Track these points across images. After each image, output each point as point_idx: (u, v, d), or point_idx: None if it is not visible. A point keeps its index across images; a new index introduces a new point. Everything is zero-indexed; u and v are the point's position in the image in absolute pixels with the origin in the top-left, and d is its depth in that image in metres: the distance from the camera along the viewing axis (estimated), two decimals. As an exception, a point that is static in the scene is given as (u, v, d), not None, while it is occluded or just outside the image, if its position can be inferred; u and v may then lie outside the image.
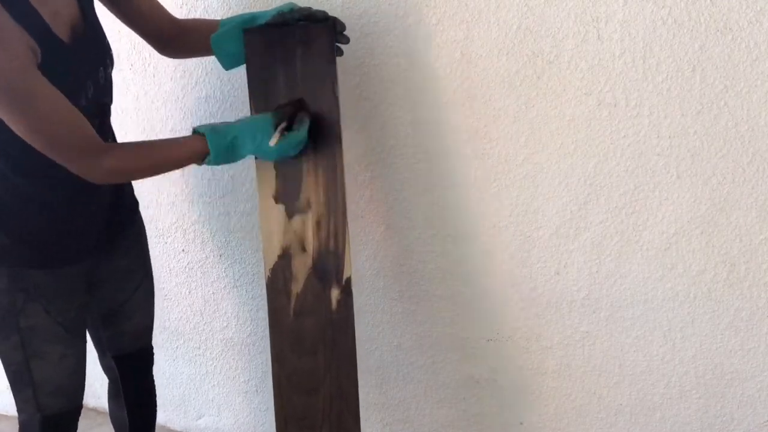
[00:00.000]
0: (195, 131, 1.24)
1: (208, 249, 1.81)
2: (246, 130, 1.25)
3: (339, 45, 1.35)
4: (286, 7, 1.32)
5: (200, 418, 2.07)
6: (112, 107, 1.36)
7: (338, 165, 1.34)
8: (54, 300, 1.30)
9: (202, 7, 1.55)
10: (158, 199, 1.80)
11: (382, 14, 1.39)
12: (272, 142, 1.26)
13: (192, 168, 1.74)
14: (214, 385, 1.99)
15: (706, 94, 1.23)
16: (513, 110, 1.36)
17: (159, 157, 1.24)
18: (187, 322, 1.94)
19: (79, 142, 1.15)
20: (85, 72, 1.22)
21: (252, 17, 1.35)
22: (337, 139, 1.34)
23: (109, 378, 1.59)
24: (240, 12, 1.48)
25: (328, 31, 1.31)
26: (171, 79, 1.65)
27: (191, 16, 1.56)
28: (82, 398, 1.42)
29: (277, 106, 1.34)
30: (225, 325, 1.89)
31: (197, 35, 1.38)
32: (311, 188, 1.37)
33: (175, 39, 1.40)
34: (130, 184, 1.48)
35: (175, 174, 1.76)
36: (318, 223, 1.38)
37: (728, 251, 1.32)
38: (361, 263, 1.63)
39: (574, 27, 1.27)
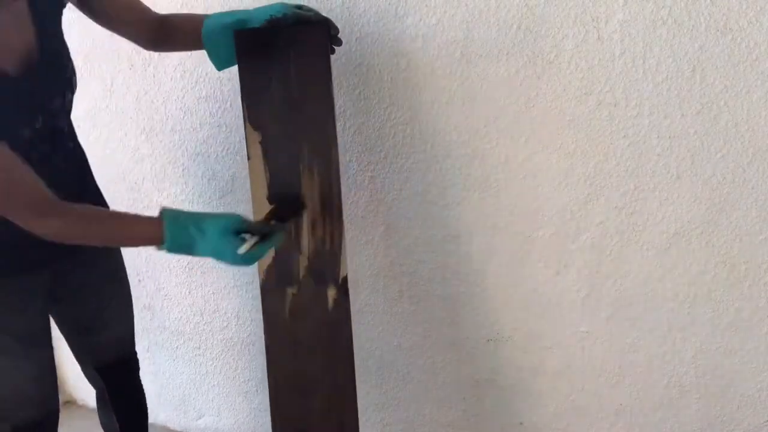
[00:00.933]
0: (160, 213, 1.18)
1: (208, 249, 1.81)
2: (209, 238, 1.16)
3: (332, 47, 1.33)
4: (277, 7, 1.28)
5: (200, 418, 2.07)
6: (112, 109, 1.34)
7: (333, 165, 1.34)
8: (3, 311, 1.26)
9: (202, 7, 1.54)
10: (158, 199, 1.80)
11: (382, 14, 1.39)
12: (241, 250, 1.15)
13: (192, 167, 1.74)
14: (214, 385, 1.99)
15: (706, 94, 1.23)
16: (513, 110, 1.36)
17: (110, 231, 1.19)
18: (187, 322, 1.94)
19: (27, 203, 1.11)
20: (37, 103, 1.17)
21: (244, 19, 1.29)
22: (332, 139, 1.33)
23: (95, 387, 1.58)
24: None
25: (323, 32, 1.29)
26: (171, 79, 1.65)
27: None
28: (55, 404, 1.39)
29: (270, 211, 1.32)
30: (225, 325, 1.89)
31: (182, 33, 1.33)
32: (306, 189, 1.36)
33: (158, 35, 1.35)
34: (96, 189, 1.42)
35: (175, 174, 1.76)
36: (313, 223, 1.37)
37: (728, 251, 1.32)
38: (361, 263, 1.63)
39: (574, 27, 1.27)
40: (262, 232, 1.19)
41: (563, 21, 1.27)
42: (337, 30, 1.31)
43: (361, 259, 1.63)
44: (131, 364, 1.57)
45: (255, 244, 1.17)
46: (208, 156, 1.70)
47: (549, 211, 1.41)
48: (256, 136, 1.35)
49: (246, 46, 1.31)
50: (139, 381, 1.60)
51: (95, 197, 1.40)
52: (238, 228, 1.17)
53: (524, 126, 1.37)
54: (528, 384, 1.59)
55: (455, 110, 1.40)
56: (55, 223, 1.13)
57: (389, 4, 1.38)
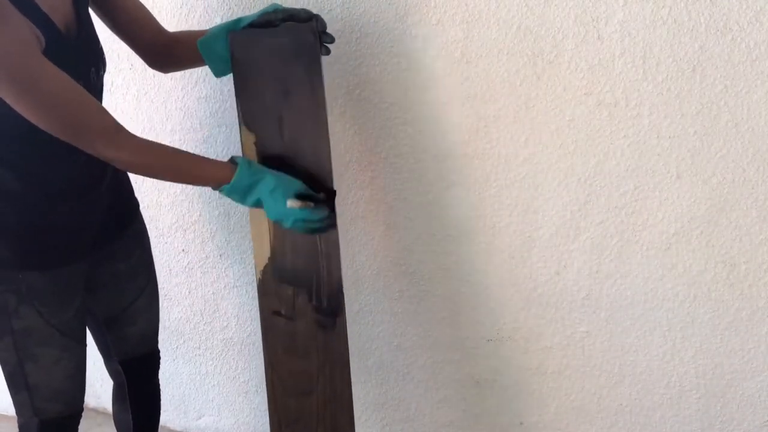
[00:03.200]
0: (232, 159, 1.26)
1: (208, 249, 1.81)
2: (272, 180, 1.25)
3: (326, 45, 1.34)
4: (270, 8, 1.31)
5: (200, 418, 2.07)
6: (112, 109, 1.36)
7: (326, 166, 1.33)
8: (48, 302, 1.27)
9: (202, 7, 1.55)
10: (158, 199, 1.80)
11: (382, 14, 1.39)
12: (290, 203, 1.24)
13: (192, 168, 1.74)
14: (214, 385, 1.99)
15: (706, 94, 1.23)
16: (513, 110, 1.36)
17: (178, 160, 1.24)
18: (187, 322, 1.94)
19: (100, 130, 1.15)
20: (79, 69, 1.20)
21: (237, 20, 1.33)
22: (325, 140, 1.32)
23: (114, 381, 1.58)
24: (240, 12, 1.48)
25: (311, 30, 1.29)
26: (171, 79, 1.65)
27: (191, 15, 1.56)
28: (82, 403, 1.40)
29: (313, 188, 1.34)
30: (225, 325, 1.89)
31: (185, 45, 1.37)
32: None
33: (163, 50, 1.39)
34: (129, 183, 1.46)
35: (175, 174, 1.76)
36: None
37: (728, 251, 1.32)
38: (361, 263, 1.63)
39: (574, 27, 1.27)
40: (320, 200, 1.29)
41: (563, 21, 1.27)
42: (324, 25, 1.32)
43: (361, 259, 1.63)
44: (154, 359, 1.59)
45: (304, 204, 1.25)
46: (208, 156, 1.70)
47: (549, 211, 1.41)
48: (251, 137, 1.35)
49: (238, 47, 1.32)
50: (158, 378, 1.61)
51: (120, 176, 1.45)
52: (297, 188, 1.27)
53: (524, 126, 1.37)
54: (528, 384, 1.59)
55: (455, 110, 1.40)
56: (126, 149, 1.17)
57: (389, 4, 1.38)
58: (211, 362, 1.96)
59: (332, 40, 1.34)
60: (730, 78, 1.21)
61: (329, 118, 1.37)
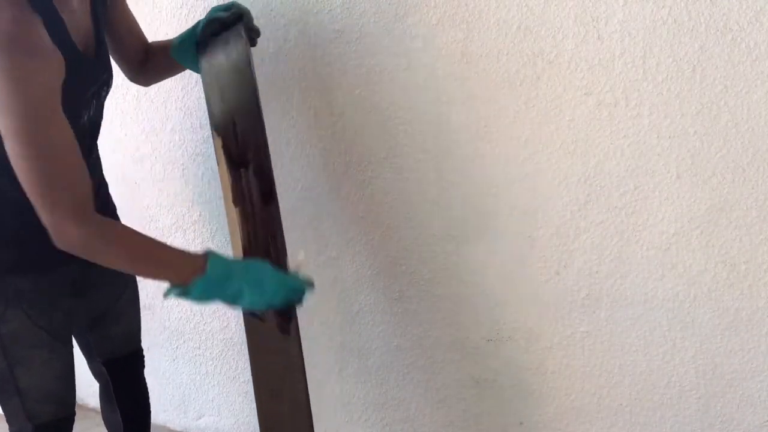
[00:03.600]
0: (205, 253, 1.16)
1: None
2: (252, 269, 1.16)
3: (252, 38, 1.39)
4: (214, 12, 1.37)
5: (200, 418, 2.07)
6: (112, 109, 1.36)
7: (264, 159, 1.31)
8: (36, 304, 1.26)
9: (202, 7, 1.55)
10: (158, 199, 1.81)
11: (382, 14, 1.39)
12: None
13: (192, 167, 1.74)
14: (214, 385, 1.99)
15: (706, 94, 1.23)
16: (513, 110, 1.36)
17: (144, 251, 1.13)
18: (187, 322, 1.94)
19: (72, 199, 1.06)
20: (93, 88, 1.21)
21: (195, 25, 1.39)
22: (261, 136, 1.31)
23: (99, 383, 1.58)
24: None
25: (240, 30, 1.34)
26: (171, 78, 1.65)
27: (191, 15, 1.57)
28: (73, 405, 1.40)
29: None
30: (225, 325, 1.89)
31: (161, 53, 1.43)
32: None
33: (144, 61, 1.44)
34: (107, 190, 1.44)
35: (175, 174, 1.77)
36: (247, 218, 1.35)
37: (728, 251, 1.32)
38: (361, 263, 1.63)
39: (574, 27, 1.27)
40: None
41: (563, 21, 1.27)
42: (250, 18, 1.37)
43: (361, 259, 1.63)
44: (138, 358, 1.58)
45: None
46: (208, 156, 1.70)
47: (549, 211, 1.41)
48: (219, 142, 1.36)
49: (198, 54, 1.39)
50: (144, 377, 1.61)
51: (106, 200, 1.45)
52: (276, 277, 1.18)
53: (524, 126, 1.37)
54: (528, 384, 1.59)
55: (455, 110, 1.40)
56: (87, 231, 1.08)
57: (389, 4, 1.38)
58: (211, 362, 1.96)
59: (258, 34, 1.40)
60: (730, 78, 1.20)
61: (330, 118, 1.38)
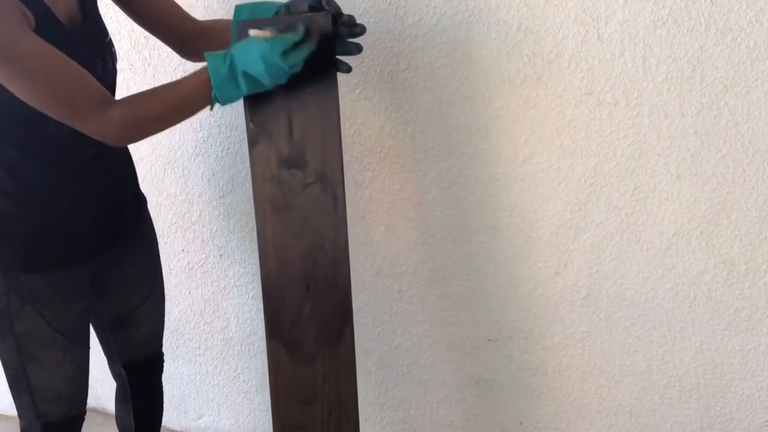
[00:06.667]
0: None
1: (208, 249, 1.81)
2: (239, 48, 1.11)
3: (344, 60, 1.22)
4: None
5: (200, 418, 2.07)
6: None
7: (337, 159, 1.25)
8: (50, 305, 1.26)
9: (202, 7, 1.55)
10: (158, 199, 1.80)
11: (382, 14, 1.39)
12: (253, 32, 1.09)
13: (192, 167, 1.74)
14: (214, 385, 1.99)
15: (706, 94, 1.23)
16: (513, 110, 1.36)
17: (168, 94, 1.16)
18: (187, 322, 1.94)
19: (85, 95, 1.10)
20: (82, 60, 1.17)
21: (264, 7, 1.23)
22: (335, 133, 1.24)
23: (117, 383, 1.58)
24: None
25: (326, 19, 1.17)
26: (171, 78, 1.65)
27: (191, 15, 1.56)
28: (84, 406, 1.40)
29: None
30: (225, 325, 1.89)
31: (216, 34, 1.32)
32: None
33: (194, 38, 1.34)
34: (133, 184, 1.44)
35: (175, 174, 1.76)
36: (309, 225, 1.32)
37: (728, 251, 1.32)
38: (361, 263, 1.63)
39: (574, 27, 1.27)
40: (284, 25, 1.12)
41: (563, 21, 1.27)
42: (340, 13, 1.18)
43: (361, 259, 1.63)
44: (158, 362, 1.58)
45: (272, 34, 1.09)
46: (208, 156, 1.70)
47: (549, 211, 1.41)
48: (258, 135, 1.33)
49: (244, 33, 1.19)
50: (161, 381, 1.61)
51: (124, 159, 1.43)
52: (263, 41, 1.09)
53: (524, 126, 1.37)
54: (528, 384, 1.59)
55: (455, 110, 1.40)
56: (117, 112, 1.11)
57: (389, 4, 1.38)
58: (211, 362, 1.96)
59: (360, 50, 1.21)
60: (730, 78, 1.21)
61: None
